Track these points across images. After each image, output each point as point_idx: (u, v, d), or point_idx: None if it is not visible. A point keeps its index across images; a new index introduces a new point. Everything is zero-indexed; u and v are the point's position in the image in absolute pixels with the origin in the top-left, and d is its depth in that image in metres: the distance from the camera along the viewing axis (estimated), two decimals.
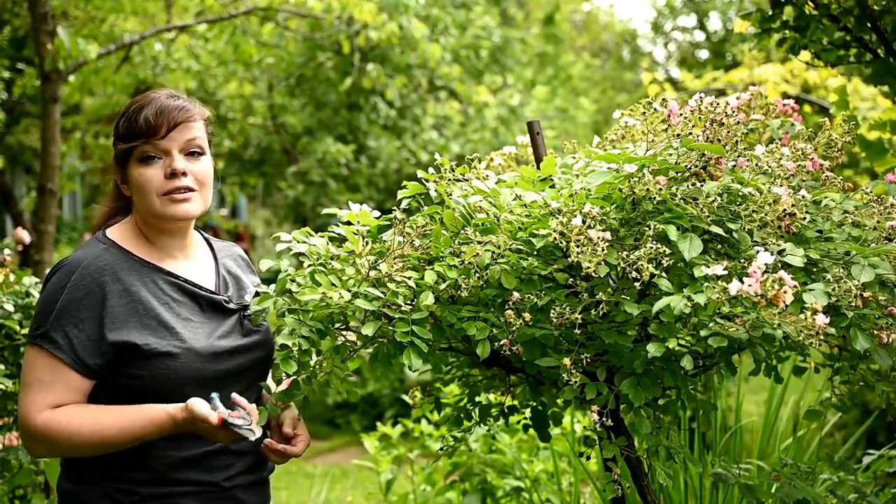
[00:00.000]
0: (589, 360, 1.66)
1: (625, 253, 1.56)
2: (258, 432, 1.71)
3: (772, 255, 1.50)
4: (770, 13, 2.80)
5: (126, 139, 1.80)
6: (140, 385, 1.76)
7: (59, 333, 1.73)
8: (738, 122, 1.74)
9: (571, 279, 1.69)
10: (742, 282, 1.44)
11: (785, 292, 1.42)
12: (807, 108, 5.42)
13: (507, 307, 1.66)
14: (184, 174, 1.81)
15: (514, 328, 1.64)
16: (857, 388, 1.84)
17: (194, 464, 1.79)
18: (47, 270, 3.97)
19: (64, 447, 1.73)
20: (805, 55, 2.91)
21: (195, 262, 1.92)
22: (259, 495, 1.91)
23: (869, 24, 2.66)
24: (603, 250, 1.54)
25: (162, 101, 1.82)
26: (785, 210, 1.58)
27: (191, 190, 1.82)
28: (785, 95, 5.59)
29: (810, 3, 2.73)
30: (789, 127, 2.04)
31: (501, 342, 1.67)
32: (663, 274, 1.55)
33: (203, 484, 1.80)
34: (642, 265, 1.52)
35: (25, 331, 2.64)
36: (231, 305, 1.90)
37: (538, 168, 1.89)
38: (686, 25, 19.54)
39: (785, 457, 2.62)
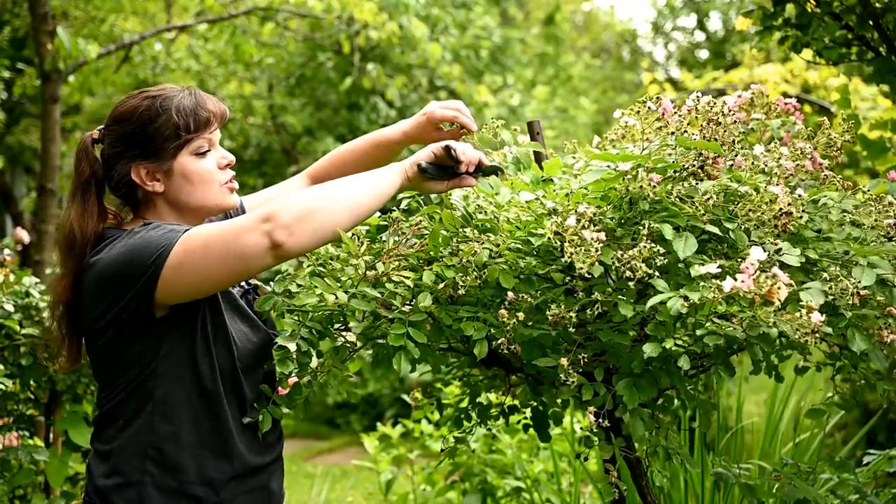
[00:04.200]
0: (587, 360, 1.66)
1: (620, 252, 1.55)
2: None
3: (767, 253, 1.49)
4: (772, 11, 2.80)
5: (187, 130, 1.73)
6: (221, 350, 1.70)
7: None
8: (736, 122, 1.73)
9: (569, 279, 1.68)
10: (735, 279, 1.43)
11: (779, 288, 1.40)
12: (807, 108, 5.42)
13: (503, 306, 1.66)
14: None
15: (508, 327, 1.64)
16: (859, 385, 1.83)
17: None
18: (48, 270, 3.95)
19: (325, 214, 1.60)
20: (807, 53, 2.91)
21: None
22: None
23: (871, 22, 2.66)
24: (597, 251, 1.52)
25: (202, 94, 1.79)
26: (781, 209, 1.57)
27: None
28: (785, 95, 5.58)
29: (812, 0, 2.73)
30: (790, 126, 2.03)
31: (500, 341, 1.66)
32: (658, 274, 1.54)
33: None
34: (635, 264, 1.51)
35: (25, 331, 2.62)
36: None
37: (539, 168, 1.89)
38: (686, 25, 19.53)
39: (785, 457, 2.61)
